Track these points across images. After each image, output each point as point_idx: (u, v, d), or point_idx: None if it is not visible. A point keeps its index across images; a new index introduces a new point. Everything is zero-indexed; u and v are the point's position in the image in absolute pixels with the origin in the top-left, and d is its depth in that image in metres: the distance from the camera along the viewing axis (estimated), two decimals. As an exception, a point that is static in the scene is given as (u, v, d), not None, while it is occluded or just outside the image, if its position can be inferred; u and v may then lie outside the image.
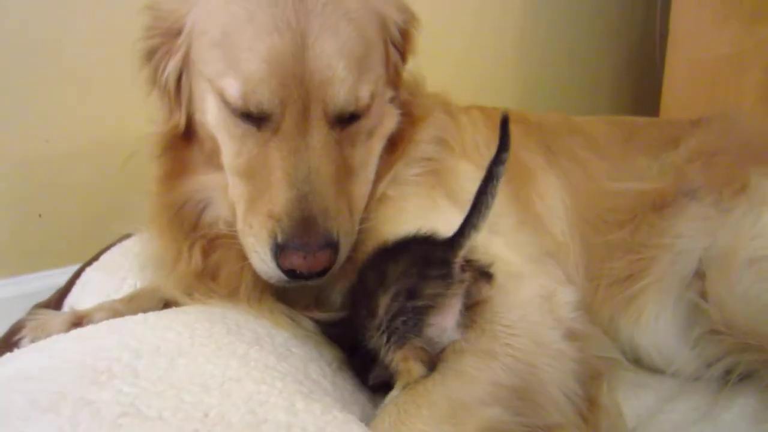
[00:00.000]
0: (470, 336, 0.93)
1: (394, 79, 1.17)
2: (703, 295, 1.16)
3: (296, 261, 0.92)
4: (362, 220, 1.07)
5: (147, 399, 0.68)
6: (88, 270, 1.37)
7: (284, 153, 0.96)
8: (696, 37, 2.09)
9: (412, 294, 0.87)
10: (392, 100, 1.18)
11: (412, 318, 0.87)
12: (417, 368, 0.87)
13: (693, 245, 1.21)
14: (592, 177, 1.35)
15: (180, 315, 1.00)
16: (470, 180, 1.17)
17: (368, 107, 1.03)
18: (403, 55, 1.18)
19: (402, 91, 1.20)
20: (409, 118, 1.20)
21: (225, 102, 0.98)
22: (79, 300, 1.28)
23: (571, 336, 0.99)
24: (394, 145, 1.16)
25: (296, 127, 0.96)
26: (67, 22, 1.75)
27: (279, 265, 0.94)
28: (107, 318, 1.10)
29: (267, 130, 0.97)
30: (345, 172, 1.03)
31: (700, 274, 1.18)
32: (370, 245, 1.03)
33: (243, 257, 1.02)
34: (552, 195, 1.30)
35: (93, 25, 1.77)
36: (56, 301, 1.30)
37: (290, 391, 0.77)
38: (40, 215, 1.86)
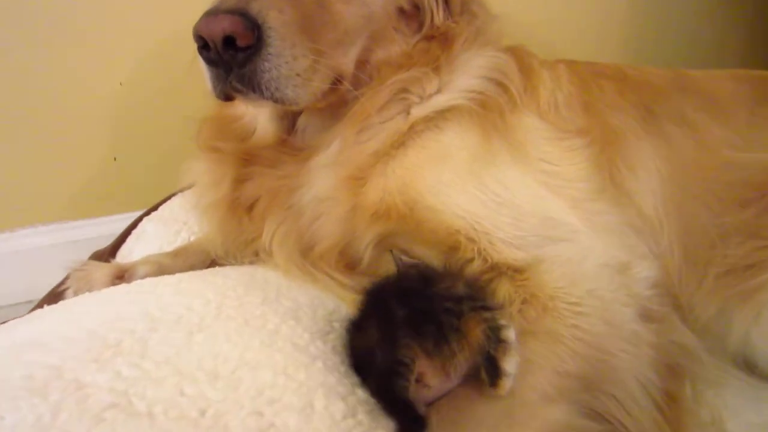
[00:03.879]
0: (530, 314, 0.82)
1: None
2: None
3: (200, 24, 0.84)
4: (388, 157, 0.97)
5: (143, 387, 0.60)
6: (145, 220, 1.33)
7: None
8: None
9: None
10: None
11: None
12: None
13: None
14: (706, 145, 1.12)
15: (217, 278, 0.92)
16: (543, 138, 1.04)
17: None
18: None
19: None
20: (443, 39, 1.06)
21: None
22: (132, 251, 1.25)
23: (647, 316, 0.86)
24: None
25: None
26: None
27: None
28: (151, 272, 1.07)
29: None
30: (319, 1, 0.94)
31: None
32: (400, 199, 0.92)
33: (278, 191, 1.00)
34: (644, 164, 1.08)
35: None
36: (110, 251, 1.27)
37: (313, 384, 0.66)
38: (115, 159, 1.85)
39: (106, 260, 1.24)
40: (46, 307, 0.86)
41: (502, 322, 0.72)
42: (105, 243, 1.72)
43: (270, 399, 0.60)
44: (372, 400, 0.69)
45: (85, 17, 1.66)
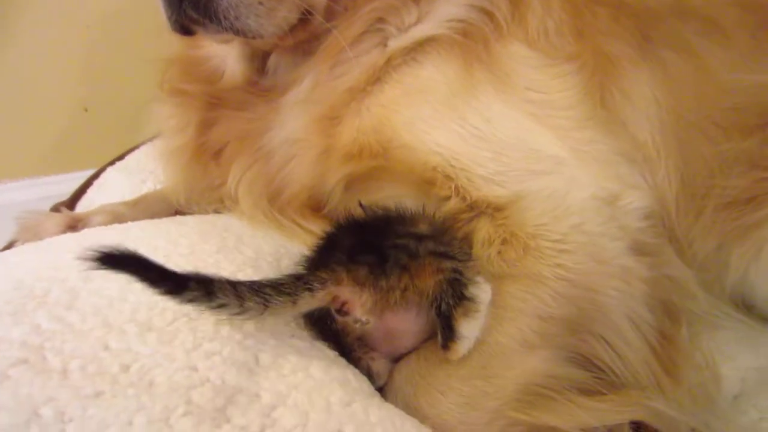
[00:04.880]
0: (509, 256, 0.76)
1: None
2: None
3: None
4: (363, 94, 0.89)
5: (62, 341, 0.52)
6: (109, 169, 1.25)
7: None
8: None
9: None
10: None
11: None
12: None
13: None
14: (707, 70, 1.02)
15: (171, 225, 0.85)
16: (530, 67, 0.95)
17: None
18: None
19: None
20: None
21: None
22: (93, 202, 1.18)
23: (640, 249, 0.80)
24: None
25: None
26: None
27: None
28: (106, 221, 1.01)
29: None
30: None
31: None
32: (374, 138, 0.86)
33: (247, 134, 0.95)
34: (640, 91, 1.00)
35: None
36: (69, 203, 1.19)
37: (264, 335, 0.58)
38: (86, 109, 1.76)
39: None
40: (-17, 258, 0.79)
41: (471, 277, 0.66)
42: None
43: (208, 352, 0.53)
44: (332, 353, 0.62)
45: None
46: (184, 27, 0.86)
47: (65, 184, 1.76)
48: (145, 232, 0.80)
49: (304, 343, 0.62)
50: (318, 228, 0.93)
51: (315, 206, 0.96)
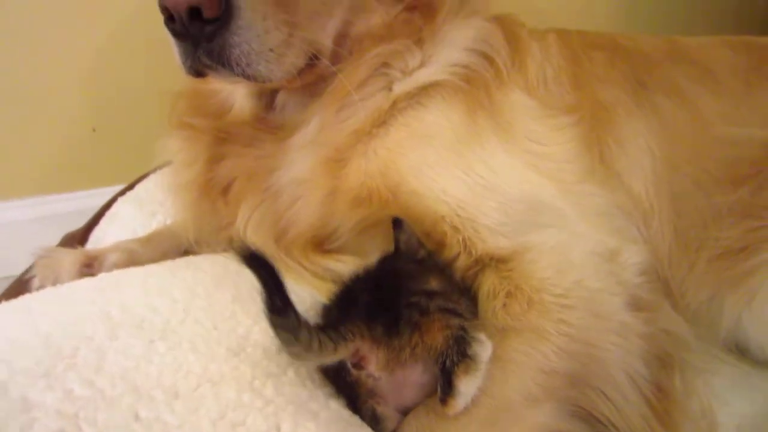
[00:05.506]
0: (514, 309, 0.79)
1: None
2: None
3: None
4: (369, 137, 0.93)
5: (94, 409, 0.55)
6: (120, 200, 1.28)
7: None
8: None
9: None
10: None
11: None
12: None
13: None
14: (700, 118, 1.06)
15: (187, 272, 0.87)
16: (531, 117, 0.99)
17: None
18: None
19: None
20: (426, 10, 1.00)
21: None
22: (105, 233, 1.20)
23: (637, 305, 0.83)
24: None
25: None
26: None
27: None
28: (121, 260, 1.03)
29: None
30: None
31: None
32: (382, 183, 0.88)
33: (255, 172, 0.97)
34: (635, 142, 1.03)
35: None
36: (83, 234, 1.21)
37: (281, 401, 0.62)
38: (93, 129, 1.78)
39: (79, 242, 1.20)
40: (4, 303, 0.81)
41: (475, 335, 0.68)
42: (83, 218, 1.67)
43: (232, 422, 0.56)
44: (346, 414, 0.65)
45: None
46: (197, 71, 0.88)
47: (72, 203, 1.79)
48: (162, 280, 0.82)
49: (319, 405, 0.65)
50: (323, 269, 0.96)
51: (318, 243, 0.98)
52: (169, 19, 0.82)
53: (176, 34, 0.83)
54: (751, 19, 2.20)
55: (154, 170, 1.40)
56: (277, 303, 0.62)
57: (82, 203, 1.76)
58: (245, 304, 0.81)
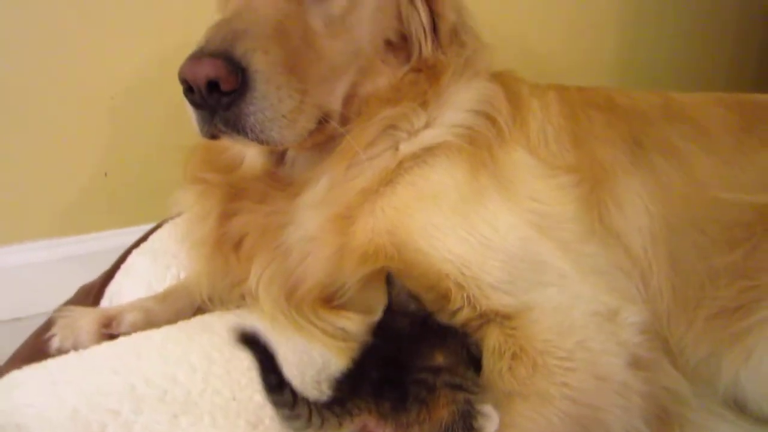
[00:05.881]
0: (520, 373, 0.82)
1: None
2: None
3: (184, 67, 0.84)
4: (376, 195, 0.96)
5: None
6: (135, 253, 1.31)
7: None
8: None
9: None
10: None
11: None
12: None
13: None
14: (695, 179, 1.09)
15: (203, 337, 0.91)
16: (533, 176, 1.03)
17: None
18: None
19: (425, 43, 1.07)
20: (431, 73, 1.05)
21: None
22: (121, 287, 1.23)
23: (637, 363, 0.86)
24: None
25: None
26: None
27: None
28: (138, 320, 1.05)
29: None
30: (306, 39, 0.94)
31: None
32: (389, 241, 0.92)
33: (266, 229, 1.00)
34: (633, 202, 1.06)
35: None
36: (99, 287, 1.25)
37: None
38: (105, 174, 1.82)
39: (96, 296, 1.23)
40: (27, 370, 0.85)
41: (480, 409, 0.72)
42: (95, 259, 1.71)
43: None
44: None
45: (76, 30, 1.63)
46: (212, 135, 0.92)
47: (85, 245, 1.82)
48: (180, 346, 0.86)
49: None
50: (331, 326, 0.99)
51: (327, 299, 1.00)
52: (188, 90, 0.86)
53: (194, 104, 0.88)
54: (742, 73, 2.26)
55: (167, 220, 1.44)
56: (273, 381, 0.65)
57: (94, 245, 1.81)
58: (261, 371, 0.84)
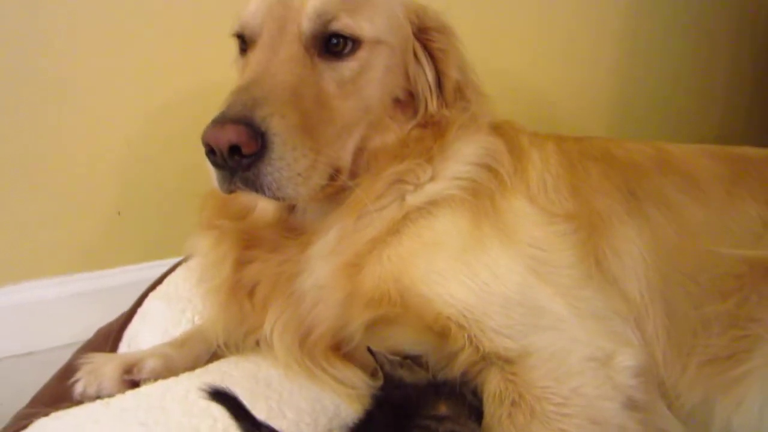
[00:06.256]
0: (519, 420, 0.86)
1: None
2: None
3: (208, 132, 0.89)
4: (384, 244, 1.01)
5: None
6: (151, 296, 1.36)
7: (253, 64, 0.99)
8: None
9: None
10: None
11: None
12: None
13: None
14: (686, 230, 1.14)
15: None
16: (532, 224, 1.07)
17: (354, 46, 1.03)
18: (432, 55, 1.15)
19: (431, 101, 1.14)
20: (436, 129, 1.11)
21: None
22: (138, 332, 1.28)
23: (632, 405, 0.90)
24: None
25: (271, 40, 1.00)
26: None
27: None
28: (158, 366, 1.10)
29: (252, 50, 1.03)
30: (319, 101, 1.00)
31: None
32: (393, 287, 0.96)
33: (279, 278, 1.04)
34: (628, 250, 1.11)
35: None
36: (118, 330, 1.30)
37: None
38: (119, 213, 1.88)
39: (114, 340, 1.28)
40: (55, 418, 0.89)
41: None
42: (106, 296, 1.77)
43: None
44: None
45: (91, 75, 1.69)
46: (231, 191, 0.97)
47: (98, 281, 1.87)
48: (198, 402, 0.90)
49: None
50: (341, 373, 1.03)
51: (338, 346, 1.05)
52: (210, 152, 0.91)
53: (216, 165, 0.93)
54: (733, 125, 2.31)
55: (181, 263, 1.49)
56: (248, 425, 0.75)
57: (108, 281, 1.86)
58: (275, 420, 0.89)
